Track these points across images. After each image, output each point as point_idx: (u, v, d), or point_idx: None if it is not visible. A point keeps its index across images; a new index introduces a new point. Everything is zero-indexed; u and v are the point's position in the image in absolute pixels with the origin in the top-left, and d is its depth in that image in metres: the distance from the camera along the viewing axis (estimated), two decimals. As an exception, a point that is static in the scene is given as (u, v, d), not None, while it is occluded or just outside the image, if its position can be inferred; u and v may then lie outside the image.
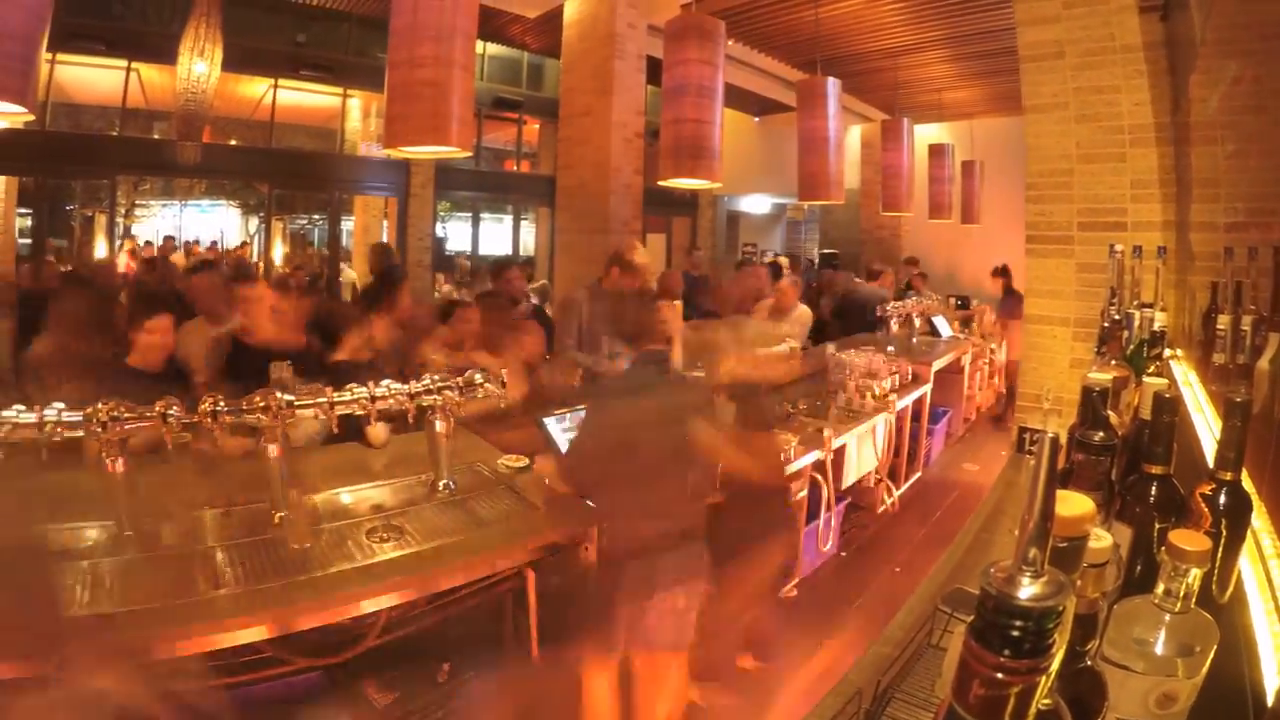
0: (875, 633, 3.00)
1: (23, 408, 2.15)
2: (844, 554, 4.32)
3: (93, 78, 10.72)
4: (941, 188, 9.27)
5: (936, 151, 9.31)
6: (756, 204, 16.55)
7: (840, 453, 4.09)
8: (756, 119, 13.78)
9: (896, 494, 4.96)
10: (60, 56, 9.50)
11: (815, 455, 3.75)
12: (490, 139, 13.32)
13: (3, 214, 10.85)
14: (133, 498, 2.24)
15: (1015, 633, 0.46)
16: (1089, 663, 0.73)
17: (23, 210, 11.57)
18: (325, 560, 2.15)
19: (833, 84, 5.40)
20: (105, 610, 1.89)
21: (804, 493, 3.76)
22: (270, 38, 10.51)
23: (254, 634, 1.96)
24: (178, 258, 11.29)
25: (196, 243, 14.15)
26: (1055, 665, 0.47)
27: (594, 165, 7.49)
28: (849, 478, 4.37)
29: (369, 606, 2.10)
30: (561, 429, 2.96)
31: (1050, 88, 3.78)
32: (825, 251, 14.03)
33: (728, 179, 4.82)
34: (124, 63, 10.24)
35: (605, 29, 7.37)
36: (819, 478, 3.84)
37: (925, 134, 10.77)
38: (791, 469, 3.56)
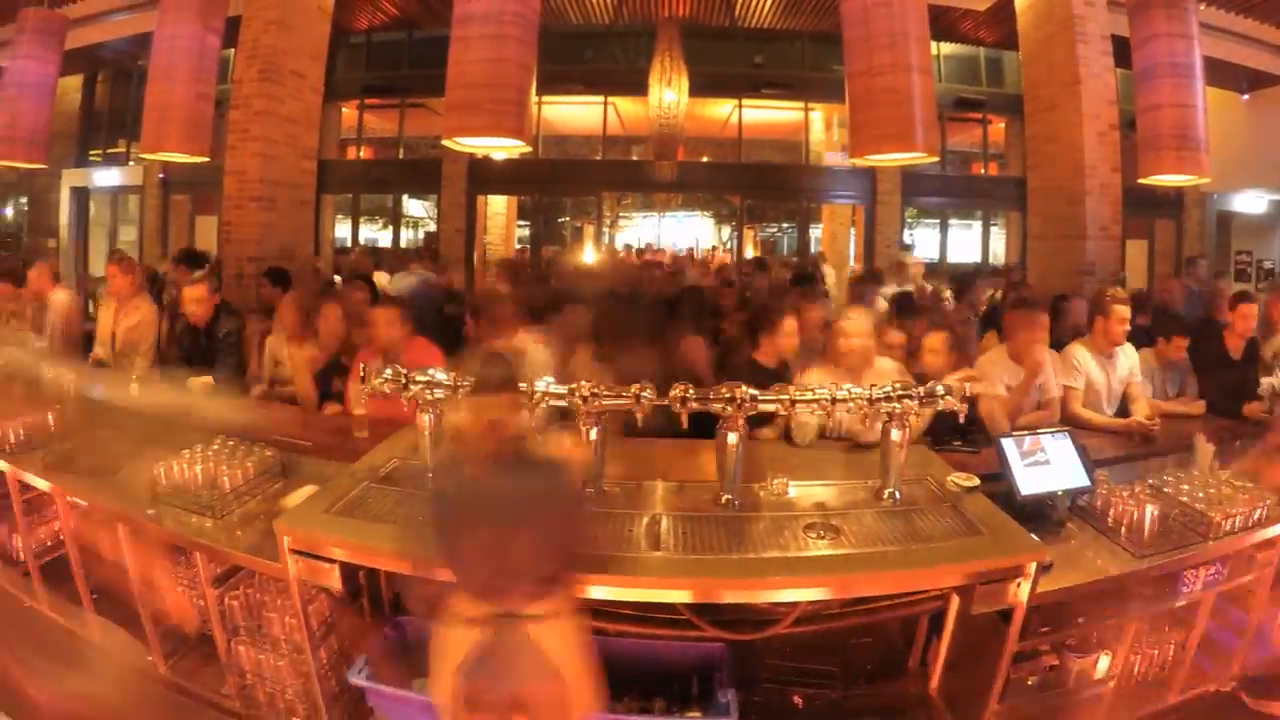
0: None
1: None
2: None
3: (575, 113, 13.08)
4: None
5: None
6: (1250, 202, 13.19)
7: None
8: (1244, 96, 11.12)
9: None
10: (547, 98, 11.71)
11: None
12: (955, 141, 12.82)
13: (505, 225, 13.81)
14: (599, 462, 2.64)
15: None
16: None
17: (521, 222, 14.68)
18: (759, 545, 2.29)
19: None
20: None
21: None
22: (730, 62, 11.56)
23: (678, 595, 2.21)
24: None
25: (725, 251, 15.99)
26: None
27: (1066, 164, 6.84)
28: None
29: (789, 596, 2.22)
30: (1019, 451, 2.77)
31: None
32: None
33: (1216, 172, 4.06)
34: (601, 98, 12.25)
35: (1062, 11, 6.68)
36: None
37: None
38: (1262, 536, 2.76)
